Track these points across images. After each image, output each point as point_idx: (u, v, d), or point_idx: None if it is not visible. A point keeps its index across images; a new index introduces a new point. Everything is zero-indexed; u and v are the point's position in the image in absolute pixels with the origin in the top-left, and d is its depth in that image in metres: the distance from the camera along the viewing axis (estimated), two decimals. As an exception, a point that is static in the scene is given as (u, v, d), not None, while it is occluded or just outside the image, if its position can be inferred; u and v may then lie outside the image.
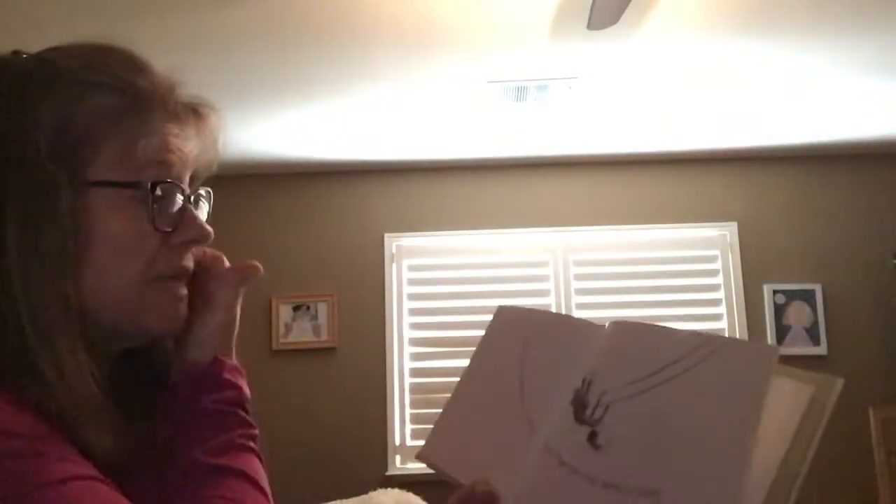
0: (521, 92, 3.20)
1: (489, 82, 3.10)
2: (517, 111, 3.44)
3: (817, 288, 4.12)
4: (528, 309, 0.81)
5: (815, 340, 4.08)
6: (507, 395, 0.74)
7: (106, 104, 0.63)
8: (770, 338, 4.06)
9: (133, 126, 0.64)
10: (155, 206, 0.64)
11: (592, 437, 0.63)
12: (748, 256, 4.18)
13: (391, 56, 2.84)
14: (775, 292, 4.13)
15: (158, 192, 0.64)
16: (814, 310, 4.10)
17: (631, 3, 2.21)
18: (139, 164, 0.64)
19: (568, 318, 0.77)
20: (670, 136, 3.89)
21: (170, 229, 0.65)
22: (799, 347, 4.01)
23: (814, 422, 0.55)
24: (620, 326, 0.69)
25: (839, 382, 0.56)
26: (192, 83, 0.69)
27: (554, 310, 4.05)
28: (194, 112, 0.69)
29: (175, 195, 0.66)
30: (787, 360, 0.56)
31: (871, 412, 3.50)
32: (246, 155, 3.90)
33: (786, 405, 0.56)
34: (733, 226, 4.22)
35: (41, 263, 0.59)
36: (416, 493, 2.95)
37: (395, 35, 2.66)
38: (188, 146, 0.68)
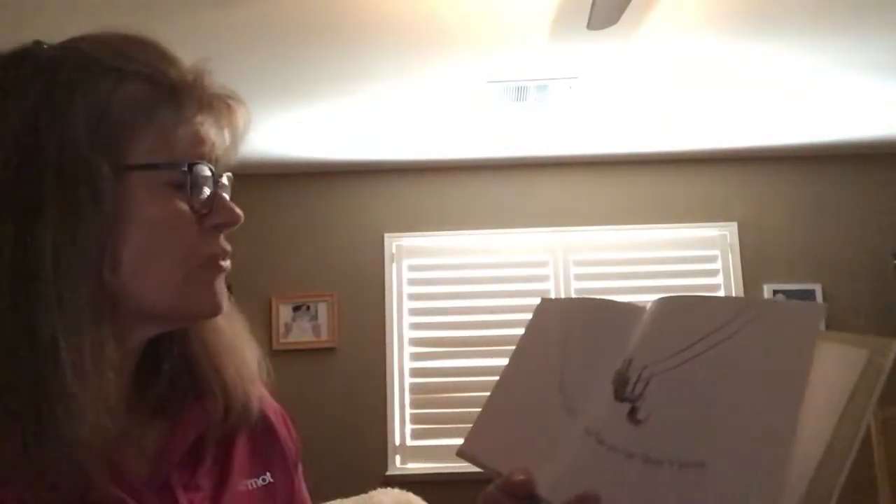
0: (521, 92, 3.20)
1: (489, 82, 3.10)
2: (517, 111, 3.44)
3: (817, 288, 4.12)
4: (569, 298, 0.80)
5: (815, 340, 4.08)
6: (548, 385, 0.72)
7: (140, 94, 0.63)
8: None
9: (168, 116, 0.63)
10: (191, 189, 0.64)
11: (632, 413, 0.61)
12: (748, 256, 4.18)
13: (391, 56, 2.84)
14: (775, 292, 4.13)
15: (194, 174, 0.64)
16: (814, 310, 4.10)
17: (631, 3, 2.20)
18: (174, 154, 0.63)
19: (609, 303, 0.74)
20: (670, 136, 3.89)
21: (206, 212, 0.66)
22: (799, 347, 4.01)
23: (869, 386, 0.52)
24: (661, 301, 0.67)
25: (895, 343, 0.53)
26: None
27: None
28: (224, 103, 0.69)
29: (206, 180, 0.66)
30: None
31: (871, 412, 3.50)
32: (246, 155, 3.89)
33: (838, 370, 0.54)
34: (733, 226, 4.22)
35: (78, 253, 0.58)
36: (416, 493, 2.95)
37: (395, 35, 2.66)
38: (218, 136, 0.68)
